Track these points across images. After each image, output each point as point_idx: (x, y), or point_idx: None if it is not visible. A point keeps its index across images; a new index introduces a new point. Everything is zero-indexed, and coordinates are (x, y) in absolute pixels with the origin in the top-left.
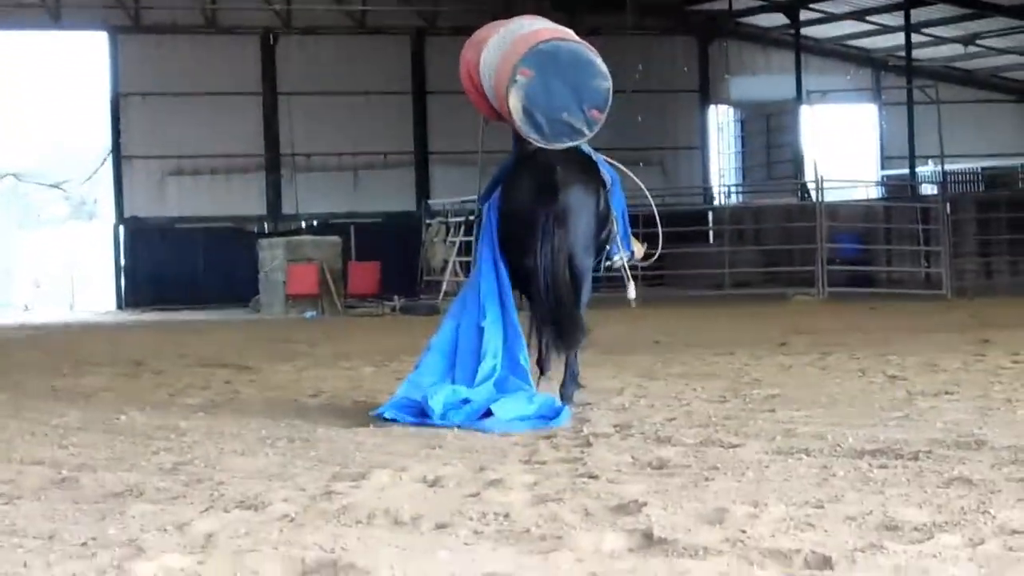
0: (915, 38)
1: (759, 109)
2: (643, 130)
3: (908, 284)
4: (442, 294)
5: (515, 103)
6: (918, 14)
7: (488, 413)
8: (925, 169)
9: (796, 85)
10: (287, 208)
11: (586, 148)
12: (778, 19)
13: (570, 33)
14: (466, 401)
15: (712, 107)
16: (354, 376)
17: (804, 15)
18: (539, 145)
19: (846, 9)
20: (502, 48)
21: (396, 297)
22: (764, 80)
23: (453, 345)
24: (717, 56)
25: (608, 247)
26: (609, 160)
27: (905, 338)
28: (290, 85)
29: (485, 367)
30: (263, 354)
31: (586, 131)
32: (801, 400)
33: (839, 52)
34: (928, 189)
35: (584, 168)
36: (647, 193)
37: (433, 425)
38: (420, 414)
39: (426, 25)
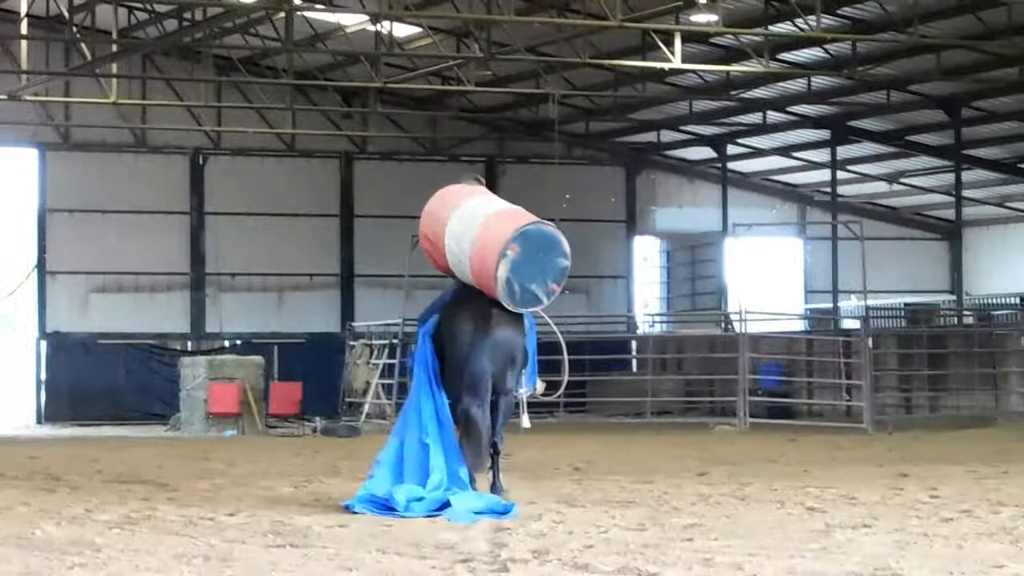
0: (841, 174)
1: (684, 240)
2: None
3: (829, 417)
4: (364, 416)
5: (502, 273)
6: (844, 151)
7: (446, 505)
8: (848, 303)
9: (722, 217)
10: (211, 326)
11: None
12: (705, 152)
13: (531, 215)
14: (422, 499)
15: (638, 237)
16: (272, 496)
17: (731, 149)
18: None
19: (773, 145)
20: (474, 222)
21: (317, 418)
22: (690, 212)
23: (399, 459)
24: (644, 187)
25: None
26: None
27: (824, 470)
28: (218, 204)
29: (433, 479)
30: (181, 472)
31: (545, 301)
32: (719, 530)
33: (765, 186)
34: (850, 323)
35: (513, 314)
36: (557, 332)
37: (400, 516)
38: (386, 508)
39: (355, 150)
